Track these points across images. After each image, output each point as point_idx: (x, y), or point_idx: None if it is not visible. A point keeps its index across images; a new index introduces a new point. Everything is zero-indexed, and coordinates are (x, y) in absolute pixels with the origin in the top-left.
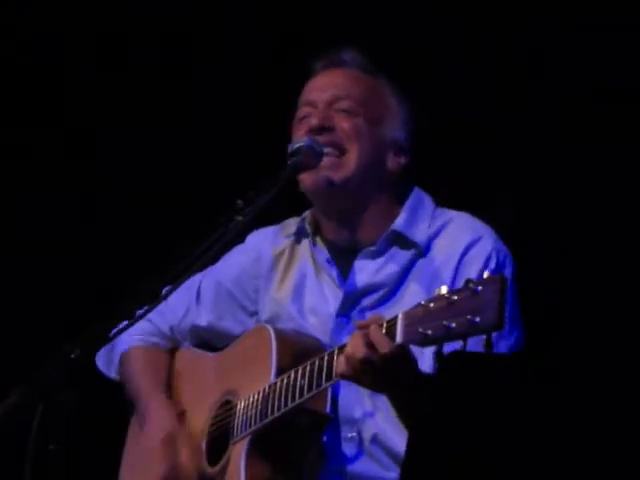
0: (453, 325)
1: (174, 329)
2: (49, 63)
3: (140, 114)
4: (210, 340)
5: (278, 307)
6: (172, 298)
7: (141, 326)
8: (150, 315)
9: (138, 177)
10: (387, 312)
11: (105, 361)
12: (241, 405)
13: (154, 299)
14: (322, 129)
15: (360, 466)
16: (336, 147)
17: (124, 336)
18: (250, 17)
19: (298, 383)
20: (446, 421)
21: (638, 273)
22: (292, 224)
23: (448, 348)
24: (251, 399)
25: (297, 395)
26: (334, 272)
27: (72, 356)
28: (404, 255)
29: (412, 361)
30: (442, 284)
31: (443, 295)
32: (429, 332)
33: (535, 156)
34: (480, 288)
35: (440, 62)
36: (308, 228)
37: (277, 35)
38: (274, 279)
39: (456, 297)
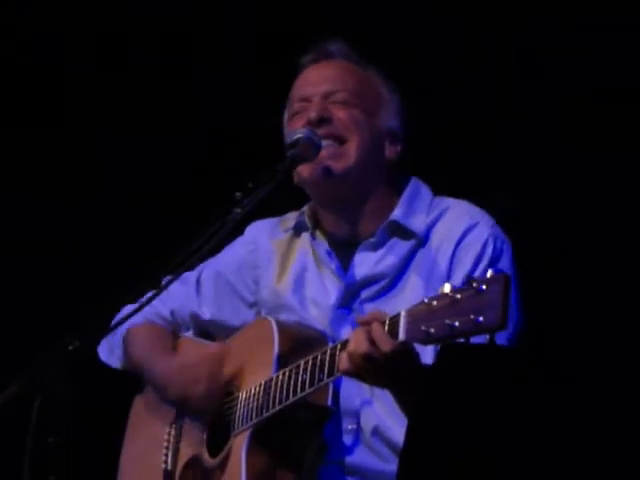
0: (456, 324)
1: (175, 313)
2: (49, 63)
3: (139, 112)
4: (211, 331)
5: (278, 299)
6: (172, 288)
7: (142, 310)
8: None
9: (139, 171)
10: (388, 303)
11: (107, 350)
12: (242, 397)
13: (155, 289)
14: (321, 121)
15: (359, 458)
16: (335, 138)
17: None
18: (249, 16)
19: (300, 377)
20: (444, 412)
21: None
22: (291, 218)
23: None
24: (252, 391)
25: (298, 389)
26: (334, 264)
27: (70, 348)
28: (404, 245)
29: (415, 357)
30: (440, 272)
31: (446, 293)
32: (432, 330)
33: (535, 147)
34: (484, 287)
35: (437, 54)
36: (307, 221)
37: (276, 34)
38: (273, 271)
39: (459, 296)
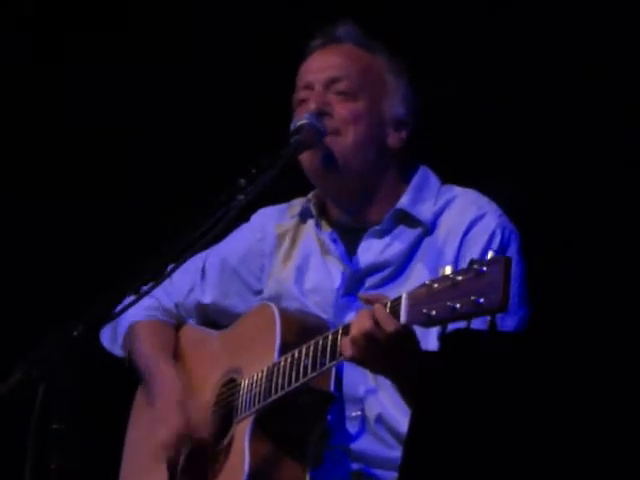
0: (457, 306)
1: (179, 306)
2: (49, 62)
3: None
4: (215, 318)
5: (280, 287)
6: (176, 276)
7: (145, 302)
8: (154, 292)
9: (144, 157)
10: (393, 291)
11: (109, 338)
12: (245, 383)
13: (158, 276)
14: (320, 114)
15: (364, 445)
16: (334, 131)
17: (128, 312)
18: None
19: (302, 362)
20: (448, 400)
21: None
22: (297, 204)
23: (452, 328)
24: (255, 378)
25: (301, 374)
26: (340, 251)
27: (74, 334)
28: (410, 234)
29: (416, 342)
30: (446, 262)
31: (447, 275)
32: (433, 313)
33: (544, 137)
34: (485, 269)
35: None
36: (313, 208)
37: (278, 18)
38: (277, 258)
39: (460, 278)
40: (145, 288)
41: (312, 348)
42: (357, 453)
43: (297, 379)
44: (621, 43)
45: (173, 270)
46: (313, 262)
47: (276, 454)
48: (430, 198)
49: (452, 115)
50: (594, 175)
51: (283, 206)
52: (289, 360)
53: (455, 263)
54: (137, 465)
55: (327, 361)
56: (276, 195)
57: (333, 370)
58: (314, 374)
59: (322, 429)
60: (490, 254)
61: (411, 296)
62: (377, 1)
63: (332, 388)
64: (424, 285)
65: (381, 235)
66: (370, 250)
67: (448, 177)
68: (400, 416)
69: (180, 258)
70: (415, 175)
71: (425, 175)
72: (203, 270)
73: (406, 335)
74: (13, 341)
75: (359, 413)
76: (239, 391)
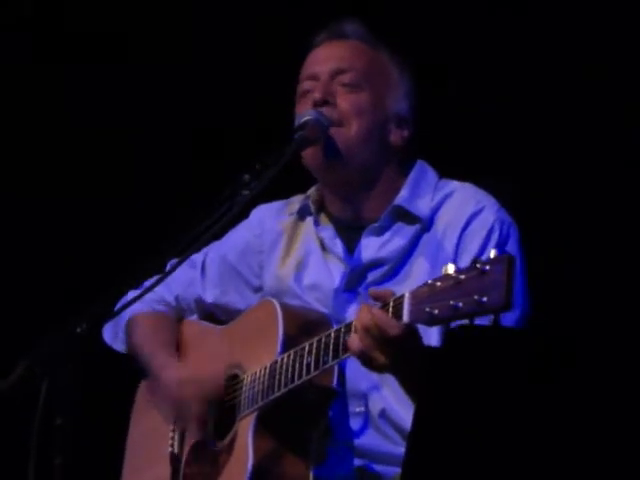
0: (460, 305)
1: (179, 299)
2: (49, 62)
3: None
4: (215, 314)
5: (281, 284)
6: (177, 273)
7: (147, 296)
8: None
9: (142, 158)
10: (394, 288)
11: (112, 333)
12: (247, 380)
13: (160, 272)
14: (324, 103)
15: (368, 440)
16: (337, 123)
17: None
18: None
19: (305, 360)
20: (452, 395)
21: None
22: (296, 201)
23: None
24: (257, 374)
25: (304, 372)
26: (339, 248)
27: (78, 330)
28: (409, 230)
29: (419, 339)
30: (446, 258)
31: (450, 274)
32: (436, 312)
33: (539, 136)
34: (488, 267)
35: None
36: (312, 206)
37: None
38: (277, 255)
39: (463, 276)
40: (148, 283)
41: (315, 346)
42: (361, 449)
43: (300, 376)
44: (621, 43)
45: (176, 266)
46: (312, 260)
47: (279, 451)
48: (427, 193)
49: (452, 115)
50: (594, 175)
51: (281, 203)
52: (292, 357)
53: (454, 258)
54: (140, 460)
55: (330, 359)
56: (275, 192)
57: (336, 366)
58: (316, 372)
59: (325, 425)
60: (493, 253)
61: (414, 295)
62: (377, 1)
63: (335, 384)
64: (427, 284)
65: (380, 232)
66: (369, 247)
67: (448, 176)
68: (404, 411)
69: (183, 253)
70: (412, 170)
71: (422, 170)
72: (203, 267)
73: (408, 334)
74: (15, 337)
75: (362, 409)
76: (242, 387)
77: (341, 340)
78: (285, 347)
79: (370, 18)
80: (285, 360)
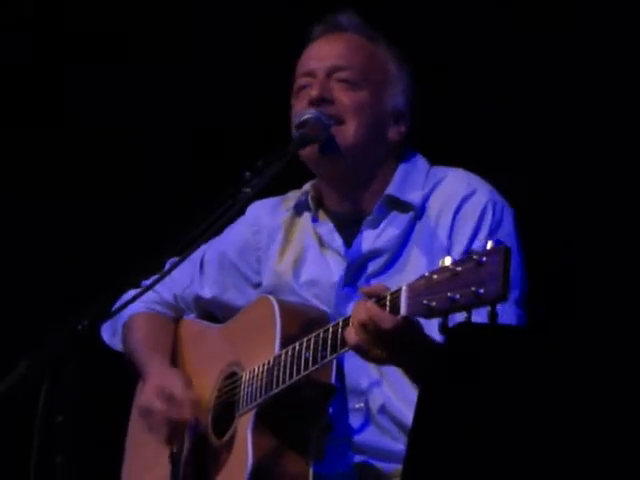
0: (457, 297)
1: (178, 298)
2: (49, 62)
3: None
4: (214, 312)
5: (279, 280)
6: (176, 272)
7: (145, 295)
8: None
9: (142, 158)
10: (393, 278)
11: (110, 332)
12: (246, 377)
13: (160, 271)
14: (322, 100)
15: (368, 437)
16: (335, 119)
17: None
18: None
19: (303, 356)
20: (453, 392)
21: None
22: (292, 197)
23: (453, 319)
24: (256, 371)
25: (302, 368)
26: (338, 243)
27: (79, 328)
28: (403, 219)
29: (418, 330)
30: (441, 244)
31: (447, 266)
32: (433, 304)
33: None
34: (484, 259)
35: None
36: (310, 201)
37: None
38: (274, 251)
39: (460, 268)
40: (147, 282)
41: (312, 341)
42: (360, 445)
43: (298, 372)
44: (621, 43)
45: (176, 265)
46: (310, 255)
47: (279, 447)
48: (419, 180)
49: (451, 114)
50: (594, 174)
51: (277, 199)
52: (290, 353)
53: (449, 243)
54: (139, 460)
55: (328, 354)
56: (272, 188)
57: (334, 362)
58: (315, 367)
59: (324, 421)
60: (490, 244)
61: (411, 288)
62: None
63: (333, 380)
64: (424, 276)
65: (376, 224)
66: (367, 240)
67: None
68: (404, 407)
69: (184, 252)
70: (402, 158)
71: (412, 158)
72: (202, 264)
73: (405, 326)
74: (15, 337)
75: (362, 405)
76: (240, 385)
77: (339, 335)
78: (283, 344)
79: (370, 16)
80: (283, 356)
